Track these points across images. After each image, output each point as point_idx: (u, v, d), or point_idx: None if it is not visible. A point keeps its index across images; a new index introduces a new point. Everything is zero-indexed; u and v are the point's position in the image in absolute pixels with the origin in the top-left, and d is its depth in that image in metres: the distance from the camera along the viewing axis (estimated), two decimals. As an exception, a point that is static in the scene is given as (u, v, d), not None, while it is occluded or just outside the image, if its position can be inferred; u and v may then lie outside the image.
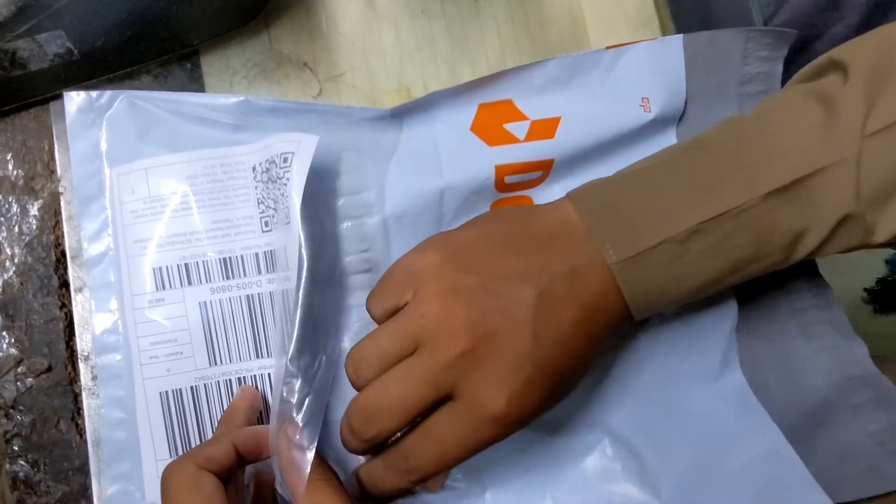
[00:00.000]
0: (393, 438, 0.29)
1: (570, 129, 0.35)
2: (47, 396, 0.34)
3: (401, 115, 0.34)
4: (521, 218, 0.30)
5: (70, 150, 0.33)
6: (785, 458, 0.33)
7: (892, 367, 0.36)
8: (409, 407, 0.27)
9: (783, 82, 0.36)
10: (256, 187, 0.33)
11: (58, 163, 0.35)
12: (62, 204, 0.34)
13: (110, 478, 0.32)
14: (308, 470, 0.27)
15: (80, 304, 0.33)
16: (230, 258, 0.32)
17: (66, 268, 0.34)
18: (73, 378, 0.34)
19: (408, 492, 0.31)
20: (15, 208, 0.35)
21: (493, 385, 0.26)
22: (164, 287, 0.32)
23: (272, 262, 0.33)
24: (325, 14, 0.37)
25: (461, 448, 0.27)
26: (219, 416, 0.32)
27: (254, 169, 0.33)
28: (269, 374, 0.33)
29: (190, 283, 0.32)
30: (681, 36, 0.35)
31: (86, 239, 0.33)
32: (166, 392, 0.32)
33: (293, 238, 0.30)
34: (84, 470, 0.33)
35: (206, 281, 0.32)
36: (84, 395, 0.33)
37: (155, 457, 0.32)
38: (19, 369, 0.34)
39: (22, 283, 0.34)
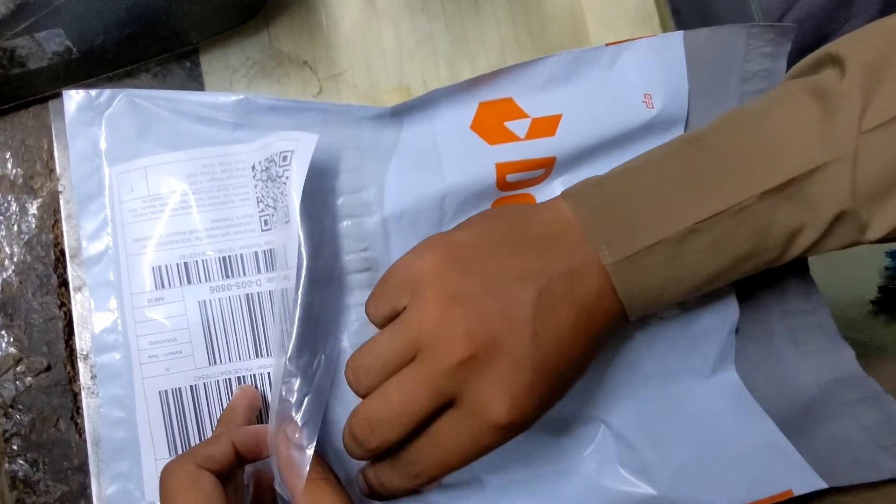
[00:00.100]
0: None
1: (571, 126, 0.34)
2: (46, 395, 0.33)
3: (401, 113, 0.34)
4: (518, 217, 0.30)
5: (69, 149, 0.33)
6: (780, 448, 0.33)
7: (891, 365, 0.36)
8: (410, 416, 0.27)
9: (783, 78, 0.36)
10: (256, 186, 0.33)
11: (57, 161, 0.35)
12: (61, 203, 0.34)
13: (110, 477, 0.32)
14: (307, 469, 0.27)
15: (79, 303, 0.33)
16: (230, 257, 0.32)
17: (65, 267, 0.34)
18: (73, 377, 0.34)
19: (415, 491, 0.31)
20: (14, 207, 0.34)
21: (495, 391, 0.26)
22: (163, 286, 0.32)
23: (272, 261, 0.33)
24: (325, 12, 0.37)
25: (465, 454, 0.27)
26: (218, 416, 0.32)
27: (253, 168, 0.33)
28: (268, 374, 0.32)
29: (189, 282, 0.32)
30: (681, 32, 0.35)
31: (85, 238, 0.33)
32: (166, 391, 0.32)
33: (293, 237, 0.30)
34: (83, 469, 0.33)
35: (206, 280, 0.32)
36: (83, 394, 0.33)
37: (154, 456, 0.32)
38: (18, 368, 0.33)
39: (21, 282, 0.34)
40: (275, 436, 0.28)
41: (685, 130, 0.36)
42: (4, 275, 0.34)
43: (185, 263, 0.32)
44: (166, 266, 0.32)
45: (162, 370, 0.32)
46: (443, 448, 0.27)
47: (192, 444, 0.32)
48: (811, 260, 0.37)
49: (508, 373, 0.26)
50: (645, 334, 0.36)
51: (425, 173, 0.34)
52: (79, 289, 0.33)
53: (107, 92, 0.33)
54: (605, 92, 0.35)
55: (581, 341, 0.28)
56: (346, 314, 0.34)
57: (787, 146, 0.28)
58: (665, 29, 0.40)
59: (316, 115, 0.34)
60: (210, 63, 0.36)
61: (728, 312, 0.36)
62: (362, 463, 0.31)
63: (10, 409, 0.33)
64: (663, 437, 0.35)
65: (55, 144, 0.35)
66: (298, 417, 0.28)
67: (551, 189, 0.36)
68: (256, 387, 0.32)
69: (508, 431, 0.27)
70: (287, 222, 0.31)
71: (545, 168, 0.35)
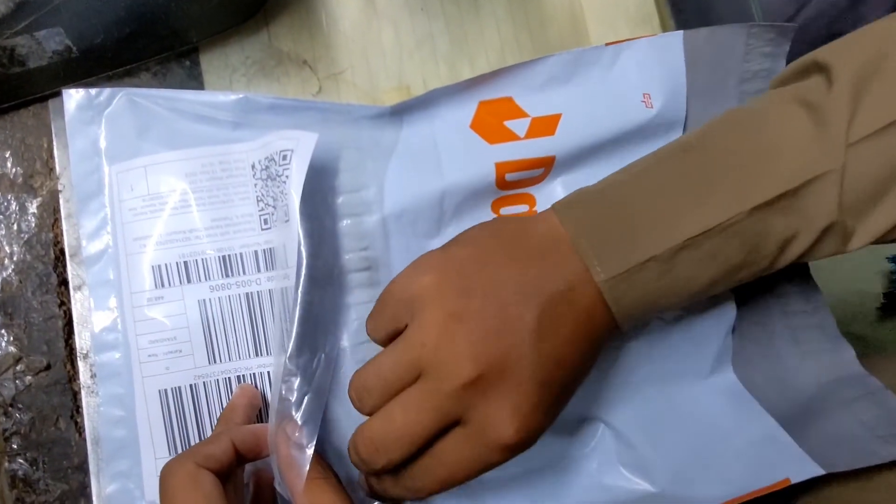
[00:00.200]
0: None
1: (570, 125, 0.34)
2: (46, 394, 0.33)
3: (400, 112, 0.34)
4: (513, 232, 0.30)
5: (69, 148, 0.33)
6: (777, 440, 0.34)
7: (891, 364, 0.37)
8: (415, 436, 0.27)
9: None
10: (256, 185, 0.33)
11: (57, 160, 0.35)
12: (61, 202, 0.34)
13: (109, 476, 0.32)
14: (307, 468, 0.27)
15: (79, 302, 0.33)
16: (229, 256, 0.32)
17: (64, 266, 0.34)
18: (73, 376, 0.34)
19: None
20: (14, 206, 0.34)
21: (501, 411, 0.26)
22: (163, 285, 0.32)
23: (271, 260, 0.33)
24: (325, 12, 0.37)
25: (470, 471, 0.27)
26: (218, 415, 0.32)
27: (253, 167, 0.33)
28: (268, 373, 0.32)
29: (189, 281, 0.32)
30: (681, 32, 0.35)
31: (85, 237, 0.33)
32: (165, 390, 0.32)
33: (292, 235, 0.30)
34: (83, 468, 0.33)
35: (206, 279, 0.32)
36: (83, 393, 0.33)
37: (154, 455, 0.32)
38: (18, 367, 0.33)
39: (21, 281, 0.34)
40: (275, 435, 0.28)
41: (684, 130, 0.36)
42: (4, 274, 0.34)
43: (185, 262, 0.32)
44: (166, 265, 0.32)
45: (162, 369, 0.32)
46: (447, 465, 0.27)
47: (192, 443, 0.32)
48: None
49: (514, 392, 0.26)
50: (644, 336, 0.36)
51: (425, 172, 0.34)
52: (78, 288, 0.33)
53: (106, 91, 0.33)
54: (604, 91, 0.35)
55: (580, 355, 0.28)
56: (346, 313, 0.34)
57: (777, 160, 0.28)
58: (665, 29, 0.40)
59: (315, 115, 0.34)
60: (210, 62, 0.36)
61: (726, 314, 0.36)
62: None
63: (10, 408, 0.33)
64: (662, 436, 0.35)
65: (55, 143, 0.35)
66: (298, 416, 0.28)
67: (551, 188, 0.36)
68: (256, 386, 0.32)
69: (515, 450, 0.27)
70: (287, 221, 0.31)
71: (544, 167, 0.35)
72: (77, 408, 0.33)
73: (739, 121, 0.30)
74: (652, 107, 0.35)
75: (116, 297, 0.32)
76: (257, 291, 0.32)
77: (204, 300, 0.32)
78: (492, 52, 0.38)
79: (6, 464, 0.33)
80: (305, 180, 0.30)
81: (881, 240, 0.29)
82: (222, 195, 0.33)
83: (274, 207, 0.32)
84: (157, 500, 0.31)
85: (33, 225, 0.34)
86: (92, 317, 0.32)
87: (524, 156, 0.34)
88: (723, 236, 0.28)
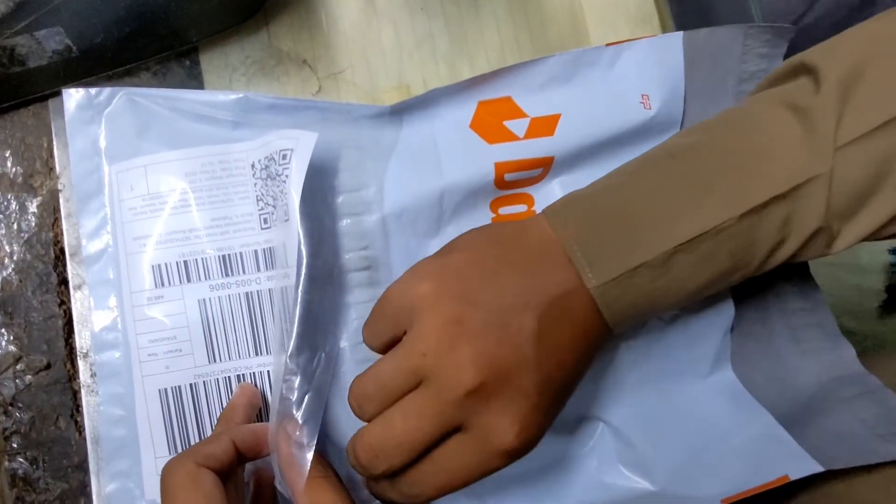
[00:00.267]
0: None
1: (569, 126, 0.34)
2: (46, 394, 0.33)
3: (400, 112, 0.34)
4: (508, 238, 0.30)
5: (69, 147, 0.33)
6: (776, 437, 0.34)
7: (891, 363, 0.37)
8: (415, 443, 0.27)
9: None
10: (255, 184, 0.33)
11: (57, 160, 0.35)
12: (61, 201, 0.34)
13: (109, 475, 0.32)
14: (308, 467, 0.27)
15: (78, 302, 0.33)
16: (229, 255, 0.32)
17: (64, 265, 0.34)
18: (73, 375, 0.34)
19: None
20: (14, 205, 0.35)
21: (503, 418, 0.26)
22: (163, 284, 0.32)
23: (271, 260, 0.33)
24: (325, 11, 0.37)
25: (470, 477, 0.27)
26: (218, 414, 0.32)
27: (252, 166, 0.33)
28: (268, 372, 0.32)
29: (189, 281, 0.32)
30: (681, 33, 0.35)
31: (85, 236, 0.33)
32: (165, 389, 0.32)
33: (292, 235, 0.30)
34: (83, 467, 0.33)
35: (206, 278, 0.32)
36: (83, 392, 0.33)
37: (154, 454, 0.32)
38: (18, 366, 0.33)
39: (21, 281, 0.34)
40: (275, 434, 0.28)
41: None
42: (4, 273, 0.34)
43: (185, 262, 0.32)
44: (166, 264, 0.32)
45: (161, 368, 0.32)
46: (447, 471, 0.27)
47: (192, 443, 0.32)
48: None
49: (515, 399, 0.27)
50: (643, 335, 0.36)
51: (425, 172, 0.34)
52: (78, 287, 0.33)
53: (106, 90, 0.33)
54: (604, 92, 0.35)
55: (577, 359, 0.29)
56: (346, 312, 0.34)
57: (766, 164, 0.28)
58: (665, 28, 0.40)
59: (315, 114, 0.34)
60: (210, 61, 0.36)
61: (724, 313, 0.37)
62: None
63: (10, 407, 0.33)
64: (661, 435, 0.35)
65: (55, 143, 0.35)
66: (299, 415, 0.28)
67: (549, 189, 0.36)
68: (256, 385, 0.32)
69: (516, 455, 0.27)
70: (287, 220, 0.31)
71: (543, 167, 0.35)
72: (77, 407, 0.34)
73: (728, 125, 0.30)
74: (650, 108, 0.35)
75: (116, 297, 0.32)
76: (257, 291, 0.33)
77: (204, 299, 0.32)
78: (492, 51, 0.38)
79: (6, 463, 0.33)
80: (305, 180, 0.30)
81: (865, 240, 0.30)
82: (222, 194, 0.33)
83: (274, 207, 0.32)
84: (158, 499, 0.31)
85: (33, 224, 0.35)
86: (92, 316, 0.32)
87: (523, 156, 0.34)
88: (714, 241, 0.28)
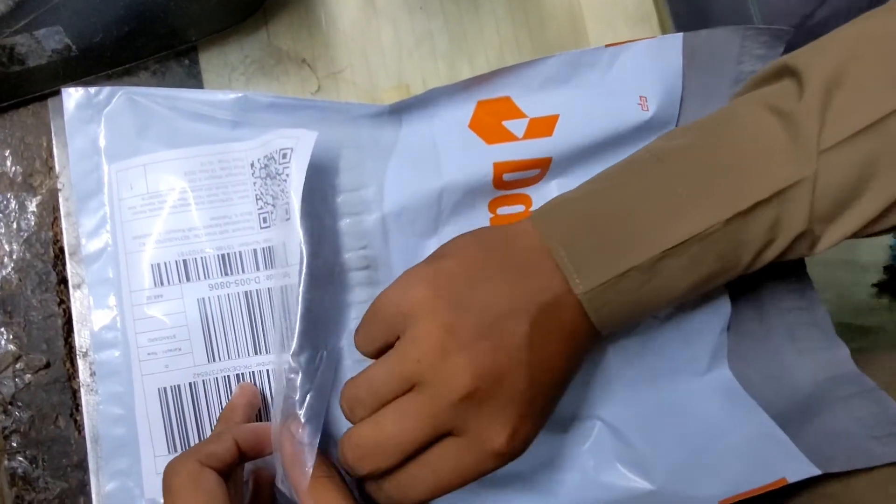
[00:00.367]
0: None
1: (568, 127, 0.34)
2: (46, 393, 0.34)
3: (399, 111, 0.34)
4: (498, 243, 0.30)
5: (68, 147, 0.33)
6: (773, 438, 0.34)
7: (888, 361, 0.37)
8: (404, 445, 0.27)
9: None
10: (255, 183, 0.33)
11: (56, 159, 0.35)
12: (60, 200, 0.34)
13: (109, 474, 0.32)
14: (311, 467, 0.27)
15: (78, 301, 0.33)
16: (228, 254, 0.32)
17: (64, 264, 0.34)
18: (72, 374, 0.34)
19: None
20: (13, 205, 0.35)
21: (495, 423, 0.27)
22: (162, 283, 0.32)
23: (271, 259, 0.33)
24: (324, 10, 0.37)
25: (457, 480, 0.27)
26: (217, 413, 0.32)
27: (252, 165, 0.33)
28: (267, 371, 0.33)
29: (188, 280, 0.32)
30: (680, 35, 0.35)
31: (84, 235, 0.33)
32: (165, 388, 0.32)
33: (293, 234, 0.30)
34: (83, 466, 0.33)
35: (205, 277, 0.32)
36: (83, 391, 0.33)
37: (153, 453, 0.32)
38: (18, 365, 0.34)
39: (20, 280, 0.34)
40: (278, 433, 0.28)
41: None
42: (4, 272, 0.34)
43: (185, 261, 0.32)
44: (165, 263, 0.32)
45: (161, 367, 0.32)
46: (435, 473, 0.27)
47: (191, 442, 0.32)
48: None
49: (507, 404, 0.27)
50: (639, 333, 0.36)
51: (424, 171, 0.34)
52: (78, 286, 0.33)
53: (106, 90, 0.33)
54: (602, 93, 0.35)
55: (567, 363, 0.29)
56: (345, 312, 0.34)
57: (751, 169, 0.29)
58: (663, 28, 0.40)
59: (315, 113, 0.34)
60: (209, 61, 0.36)
61: (721, 311, 0.37)
62: None
63: (10, 406, 0.33)
64: (659, 433, 0.35)
65: (54, 142, 0.35)
66: (301, 414, 0.28)
67: (547, 190, 0.36)
68: (256, 384, 0.32)
69: (507, 458, 0.27)
70: (287, 220, 0.31)
71: (541, 168, 0.35)
72: (76, 406, 0.34)
73: (713, 129, 0.30)
74: (648, 109, 0.35)
75: (116, 296, 0.32)
76: (256, 290, 0.33)
77: (203, 298, 0.32)
78: (491, 50, 0.38)
79: (6, 462, 0.33)
80: (305, 179, 0.30)
81: (847, 239, 0.30)
82: (221, 194, 0.33)
83: (273, 206, 0.32)
84: (157, 498, 0.31)
85: (33, 223, 0.35)
86: (91, 315, 0.33)
87: (522, 156, 0.34)
88: (701, 246, 0.28)
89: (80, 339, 0.33)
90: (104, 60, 0.34)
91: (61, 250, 0.34)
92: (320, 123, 0.34)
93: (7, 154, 0.35)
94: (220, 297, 0.32)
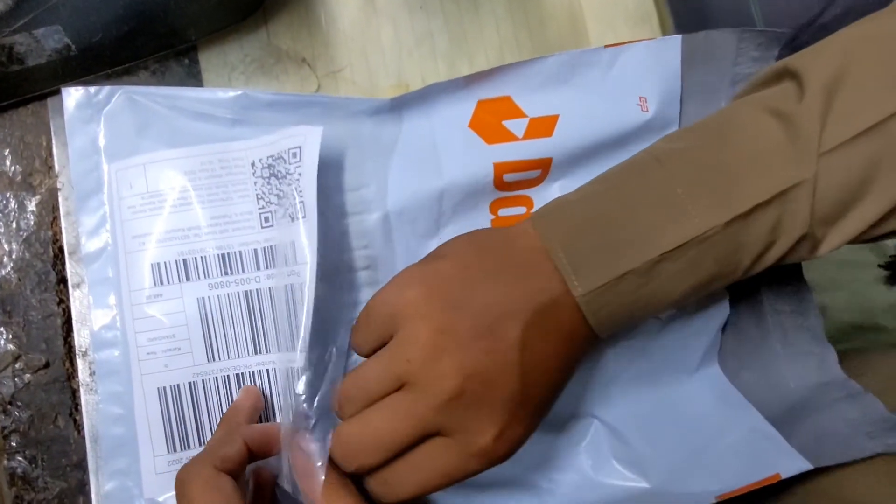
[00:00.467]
0: None
1: (568, 127, 0.34)
2: (45, 392, 0.33)
3: (400, 108, 0.34)
4: (495, 245, 0.30)
5: (68, 146, 0.33)
6: (765, 434, 0.34)
7: (880, 364, 0.37)
8: (391, 444, 0.27)
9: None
10: (256, 183, 0.33)
11: (56, 158, 0.35)
12: (60, 200, 0.34)
13: (108, 474, 0.32)
14: (323, 465, 0.27)
15: (77, 300, 0.33)
16: (228, 254, 0.32)
17: (63, 264, 0.34)
18: (71, 374, 0.34)
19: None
20: (13, 204, 0.35)
21: (482, 424, 0.27)
22: (162, 283, 0.32)
23: (272, 258, 0.33)
24: (324, 10, 0.37)
25: (443, 479, 0.27)
26: (217, 413, 0.32)
27: (253, 165, 0.33)
28: (267, 371, 0.32)
29: (188, 279, 0.32)
30: (679, 37, 0.35)
31: (84, 234, 0.33)
32: (164, 388, 0.32)
33: (305, 233, 0.30)
34: (82, 466, 0.33)
35: (204, 277, 0.32)
36: (82, 390, 0.33)
37: (153, 453, 0.32)
38: (17, 365, 0.33)
39: (20, 279, 0.34)
40: (289, 434, 0.28)
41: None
42: (3, 272, 0.34)
43: (184, 260, 0.32)
44: (165, 263, 0.32)
45: (160, 367, 0.32)
46: (421, 471, 0.27)
47: (191, 441, 0.32)
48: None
49: (496, 406, 0.27)
50: (639, 333, 0.36)
51: (424, 171, 0.34)
52: (77, 286, 0.33)
53: (106, 89, 0.33)
54: (602, 93, 0.35)
55: (562, 366, 0.29)
56: (348, 312, 0.34)
57: (750, 171, 0.29)
58: (664, 27, 0.40)
59: (315, 110, 0.34)
60: (208, 60, 0.36)
61: (720, 312, 0.37)
62: None
63: (9, 406, 0.33)
64: (655, 432, 0.35)
65: (54, 142, 0.35)
66: (312, 411, 0.28)
67: (549, 191, 0.36)
68: (255, 384, 0.32)
69: (494, 459, 0.27)
70: (293, 219, 0.31)
71: (542, 169, 0.35)
72: (76, 405, 0.34)
73: (713, 131, 0.30)
74: (647, 110, 0.35)
75: (115, 295, 0.32)
76: (257, 289, 0.33)
77: (203, 298, 0.32)
78: (491, 50, 0.38)
79: (5, 461, 0.33)
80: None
81: (849, 243, 0.30)
82: (221, 193, 0.33)
83: (278, 205, 0.32)
84: (156, 498, 0.31)
85: (32, 223, 0.35)
86: (91, 314, 0.32)
87: (522, 157, 0.34)
88: (699, 248, 0.28)
89: (80, 338, 0.33)
90: (103, 60, 0.34)
91: (61, 250, 0.34)
92: (320, 120, 0.34)
93: (6, 153, 0.35)
94: (220, 296, 0.32)
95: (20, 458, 0.33)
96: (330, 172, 0.34)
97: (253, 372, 0.32)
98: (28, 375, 0.33)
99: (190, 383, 0.32)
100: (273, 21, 0.37)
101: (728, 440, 0.35)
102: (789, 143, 0.28)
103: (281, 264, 0.32)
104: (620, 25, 0.39)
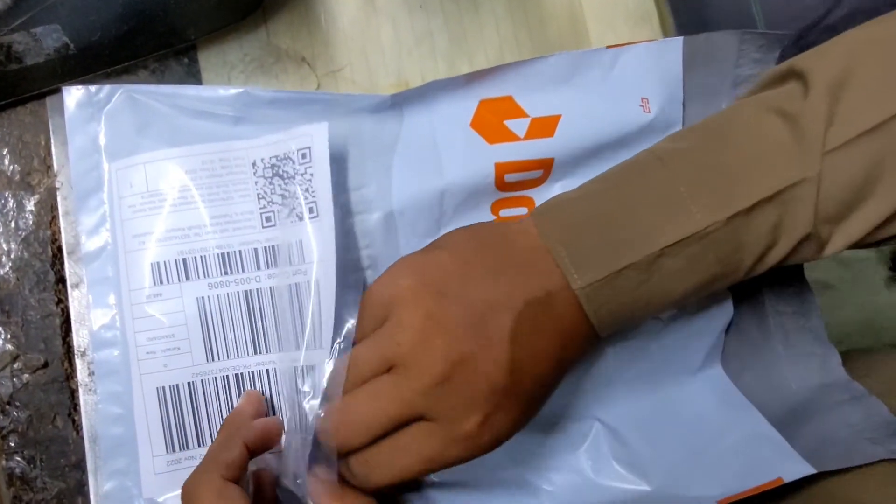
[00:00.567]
0: None
1: (569, 127, 0.34)
2: (44, 392, 0.33)
3: (400, 105, 0.34)
4: (493, 239, 0.30)
5: (69, 145, 0.33)
6: (768, 438, 0.34)
7: (881, 366, 0.37)
8: (374, 425, 0.27)
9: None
10: (256, 182, 0.33)
11: (54, 158, 0.34)
12: (59, 199, 0.34)
13: (107, 474, 0.32)
14: (335, 464, 0.27)
15: (76, 300, 0.33)
16: (228, 253, 0.32)
17: (62, 263, 0.34)
18: (70, 374, 0.34)
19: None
20: (11, 204, 0.34)
21: (467, 410, 0.27)
22: (161, 282, 0.32)
23: (274, 258, 0.32)
24: (324, 9, 0.37)
25: (426, 464, 0.27)
26: (216, 412, 0.32)
27: (254, 164, 0.33)
28: (266, 371, 0.32)
29: (188, 279, 0.32)
30: (681, 38, 0.35)
31: (84, 233, 0.33)
32: (163, 388, 0.32)
33: (318, 231, 0.30)
34: (81, 466, 0.33)
35: (204, 276, 0.32)
36: (81, 390, 0.33)
37: (152, 452, 0.32)
38: (15, 365, 0.33)
39: (18, 279, 0.34)
40: (292, 433, 0.29)
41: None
42: (1, 272, 0.34)
43: (184, 259, 0.32)
44: (165, 262, 0.32)
45: (160, 367, 0.32)
46: (404, 455, 0.27)
47: (190, 441, 0.32)
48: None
49: (483, 393, 0.27)
50: (640, 334, 0.36)
51: (425, 171, 0.34)
52: (76, 285, 0.33)
53: (106, 88, 0.33)
54: (603, 94, 0.35)
55: (557, 363, 0.29)
56: (348, 311, 0.34)
57: (753, 169, 0.29)
58: (664, 27, 0.40)
59: (316, 107, 0.34)
60: (208, 59, 0.36)
61: (723, 313, 0.37)
62: None
63: (7, 406, 0.33)
64: (656, 433, 0.35)
65: (52, 141, 0.34)
66: (320, 410, 0.28)
67: (550, 192, 0.35)
68: (255, 384, 0.32)
69: (476, 447, 0.27)
70: (303, 218, 0.31)
71: (543, 169, 0.35)
72: (75, 405, 0.33)
73: (717, 130, 0.30)
74: (650, 111, 0.35)
75: (115, 295, 0.32)
76: (257, 289, 0.32)
77: (202, 297, 0.32)
78: (491, 49, 0.38)
79: (3, 462, 0.33)
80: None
81: (855, 246, 0.30)
82: (222, 192, 0.33)
83: (282, 205, 0.32)
84: (155, 498, 0.31)
85: (31, 222, 0.34)
86: (90, 314, 0.32)
87: (523, 157, 0.34)
88: (700, 245, 0.28)
89: (79, 338, 0.33)
90: (103, 59, 0.34)
91: (59, 249, 0.34)
92: (321, 117, 0.33)
93: (5, 153, 0.35)
94: (220, 296, 0.32)
95: (19, 459, 0.33)
96: (333, 171, 0.34)
97: (252, 372, 0.32)
98: (26, 375, 0.33)
99: (189, 383, 0.32)
100: (272, 20, 0.37)
101: (730, 442, 0.34)
102: (793, 142, 0.28)
103: (284, 264, 0.32)
104: (620, 25, 0.39)
